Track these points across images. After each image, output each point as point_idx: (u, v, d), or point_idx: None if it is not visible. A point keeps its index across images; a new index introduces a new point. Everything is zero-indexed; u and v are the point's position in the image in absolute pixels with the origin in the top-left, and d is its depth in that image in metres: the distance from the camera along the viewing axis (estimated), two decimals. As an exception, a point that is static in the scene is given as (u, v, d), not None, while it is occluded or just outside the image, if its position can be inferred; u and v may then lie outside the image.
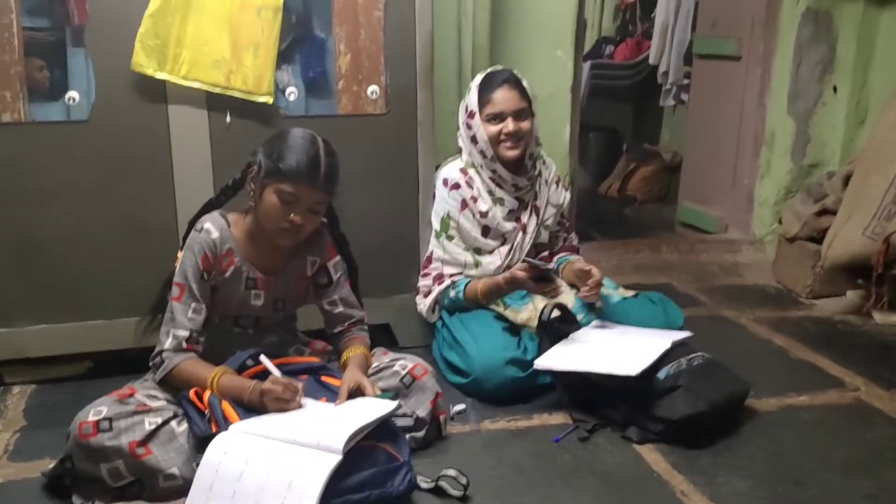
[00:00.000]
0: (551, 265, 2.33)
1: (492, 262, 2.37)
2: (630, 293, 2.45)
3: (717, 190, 3.98)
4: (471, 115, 2.33)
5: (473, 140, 2.34)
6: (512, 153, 2.32)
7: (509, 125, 2.29)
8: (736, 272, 3.52)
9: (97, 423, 1.63)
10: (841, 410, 2.19)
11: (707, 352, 2.11)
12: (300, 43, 2.27)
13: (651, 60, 5.09)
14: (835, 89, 3.57)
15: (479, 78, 2.37)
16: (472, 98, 2.34)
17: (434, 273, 2.38)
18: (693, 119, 4.27)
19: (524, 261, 2.28)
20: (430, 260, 2.40)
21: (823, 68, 3.55)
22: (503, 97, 2.30)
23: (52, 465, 1.71)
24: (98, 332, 2.25)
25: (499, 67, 2.44)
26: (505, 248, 2.39)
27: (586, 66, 5.12)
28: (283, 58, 2.24)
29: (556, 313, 2.22)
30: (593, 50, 5.74)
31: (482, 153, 2.34)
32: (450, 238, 2.37)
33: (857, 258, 2.86)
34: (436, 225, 2.38)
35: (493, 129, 2.30)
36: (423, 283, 2.41)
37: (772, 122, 3.64)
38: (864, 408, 2.20)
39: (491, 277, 2.33)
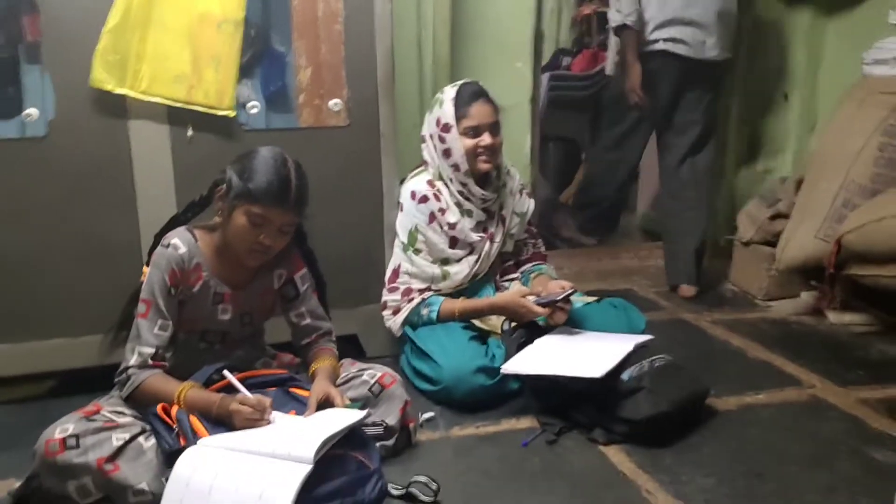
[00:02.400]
0: (560, 295, 2.26)
1: (459, 271, 2.40)
2: (592, 299, 2.50)
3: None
4: (445, 128, 2.34)
5: (446, 153, 2.35)
6: (487, 166, 2.35)
7: (486, 139, 2.32)
8: (694, 276, 3.60)
9: (64, 440, 1.61)
10: (798, 407, 2.25)
11: (668, 354, 2.15)
12: (259, 57, 2.28)
13: (607, 71, 5.16)
14: (786, 96, 3.69)
15: (451, 91, 2.37)
16: (446, 111, 2.34)
17: (402, 288, 2.39)
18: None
19: (543, 303, 2.24)
20: (396, 273, 2.41)
21: (775, 76, 3.66)
22: (480, 111, 2.32)
23: (18, 485, 1.69)
24: (60, 351, 2.23)
25: (468, 80, 2.44)
26: (472, 258, 2.42)
27: (545, 77, 5.17)
28: (242, 72, 2.24)
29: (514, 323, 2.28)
30: (551, 61, 5.79)
31: (455, 167, 2.35)
32: (417, 251, 2.38)
33: (810, 260, 2.95)
34: (403, 238, 2.39)
35: (471, 142, 2.33)
36: (390, 297, 2.41)
37: (726, 128, 3.74)
38: (820, 404, 2.27)
39: (472, 300, 2.36)
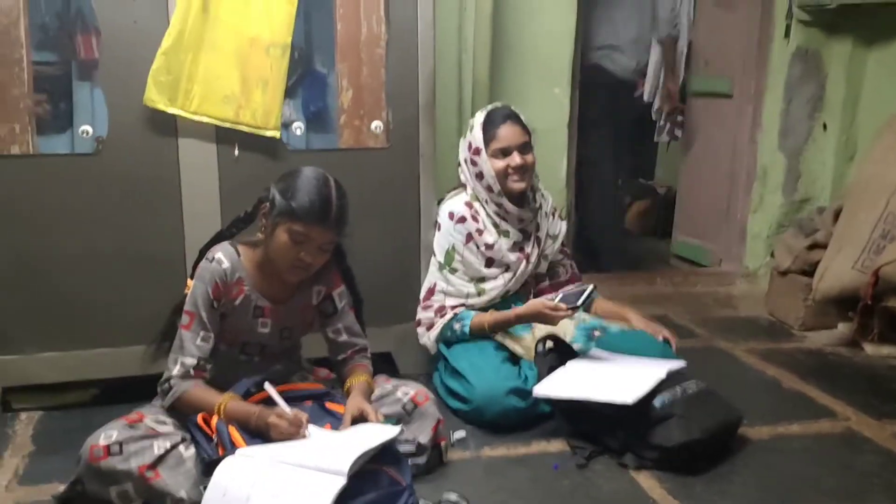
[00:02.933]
0: (580, 301, 2.26)
1: (494, 287, 2.43)
2: (627, 324, 2.51)
3: (710, 224, 4.06)
4: (476, 151, 2.40)
5: (479, 176, 2.41)
6: (519, 186, 2.39)
7: (516, 159, 2.37)
8: (730, 304, 3.60)
9: (108, 446, 1.68)
10: (832, 439, 2.24)
11: (701, 381, 2.15)
12: (302, 78, 2.34)
13: (645, 98, 5.18)
14: (824, 126, 3.67)
15: (481, 116, 2.43)
16: (476, 135, 2.40)
17: (436, 305, 2.43)
18: (687, 155, 4.36)
19: (569, 307, 2.24)
20: (431, 292, 2.44)
21: (813, 106, 3.66)
22: (508, 133, 2.38)
23: (62, 489, 1.75)
24: (105, 360, 2.30)
25: (498, 104, 2.51)
26: (508, 275, 2.45)
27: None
28: (286, 93, 2.30)
29: (549, 344, 2.29)
30: (589, 86, 5.84)
31: (488, 188, 2.40)
32: (453, 271, 2.42)
33: (847, 291, 2.92)
34: (440, 257, 2.43)
35: (500, 163, 2.38)
36: (424, 315, 2.45)
37: (763, 157, 3.74)
38: (854, 436, 2.25)
39: (500, 312, 2.38)
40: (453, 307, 2.42)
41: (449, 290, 2.42)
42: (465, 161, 2.44)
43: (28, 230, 2.20)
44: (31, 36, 2.11)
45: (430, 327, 2.43)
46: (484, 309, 2.44)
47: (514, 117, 2.41)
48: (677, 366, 2.20)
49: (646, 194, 5.28)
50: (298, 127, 2.35)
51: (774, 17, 3.61)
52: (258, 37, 2.22)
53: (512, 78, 3.17)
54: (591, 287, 2.30)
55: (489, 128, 2.39)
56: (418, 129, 2.46)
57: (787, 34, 3.59)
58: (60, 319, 2.26)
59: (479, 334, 2.37)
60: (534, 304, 2.31)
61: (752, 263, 3.82)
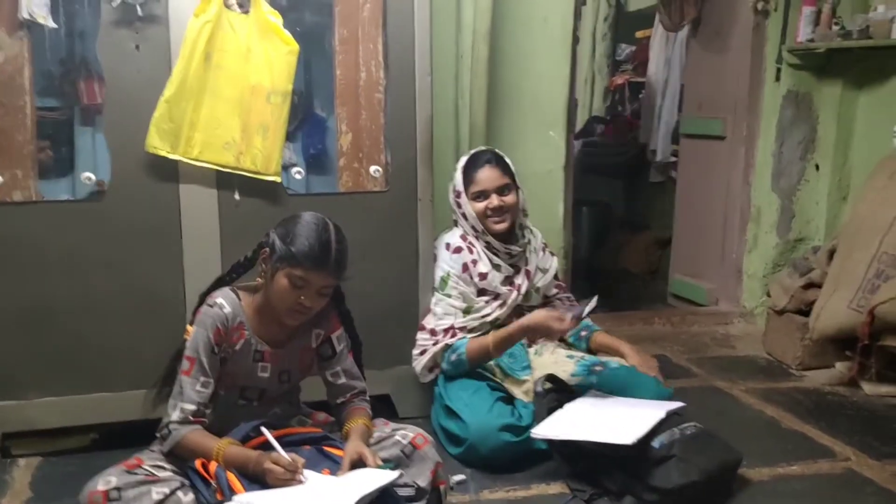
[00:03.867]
0: (585, 312, 2.31)
1: (484, 313, 2.47)
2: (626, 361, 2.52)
3: (706, 264, 4.09)
4: (458, 194, 2.50)
5: (464, 216, 2.50)
6: (499, 226, 2.47)
7: (494, 201, 2.45)
8: (727, 343, 3.60)
9: (107, 492, 1.67)
10: (832, 480, 2.23)
11: (700, 422, 2.15)
12: (302, 122, 2.38)
13: (640, 138, 5.26)
14: (817, 167, 3.72)
15: (463, 160, 2.54)
16: (457, 179, 2.51)
17: (429, 326, 2.47)
18: (681, 195, 4.40)
19: (574, 317, 2.28)
20: (427, 311, 2.50)
21: (805, 147, 3.71)
22: (486, 176, 2.46)
23: (60, 536, 1.74)
24: (105, 405, 2.30)
25: (482, 148, 2.62)
26: (496, 303, 2.49)
27: (578, 144, 5.28)
28: (286, 137, 2.33)
29: (548, 385, 2.30)
30: (585, 129, 5.93)
31: (473, 227, 2.49)
32: (448, 295, 2.46)
33: (843, 330, 2.94)
34: (436, 283, 2.49)
35: (480, 205, 2.46)
36: (420, 336, 2.48)
37: (757, 198, 3.78)
38: (855, 477, 2.25)
39: (500, 329, 2.40)
40: (445, 330, 2.43)
41: (438, 311, 2.46)
42: (452, 202, 2.54)
43: (29, 276, 2.21)
44: (34, 83, 2.15)
45: (423, 352, 2.46)
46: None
47: (495, 161, 2.49)
48: (676, 406, 2.20)
49: (641, 233, 5.32)
50: (298, 171, 2.38)
51: (765, 61, 3.68)
52: (259, 85, 2.26)
53: (508, 122, 3.21)
54: (594, 299, 2.32)
55: (469, 172, 2.49)
56: (416, 172, 2.50)
57: (777, 77, 3.65)
58: (61, 364, 2.27)
59: (481, 359, 2.38)
60: (538, 314, 2.33)
61: (748, 303, 3.83)
